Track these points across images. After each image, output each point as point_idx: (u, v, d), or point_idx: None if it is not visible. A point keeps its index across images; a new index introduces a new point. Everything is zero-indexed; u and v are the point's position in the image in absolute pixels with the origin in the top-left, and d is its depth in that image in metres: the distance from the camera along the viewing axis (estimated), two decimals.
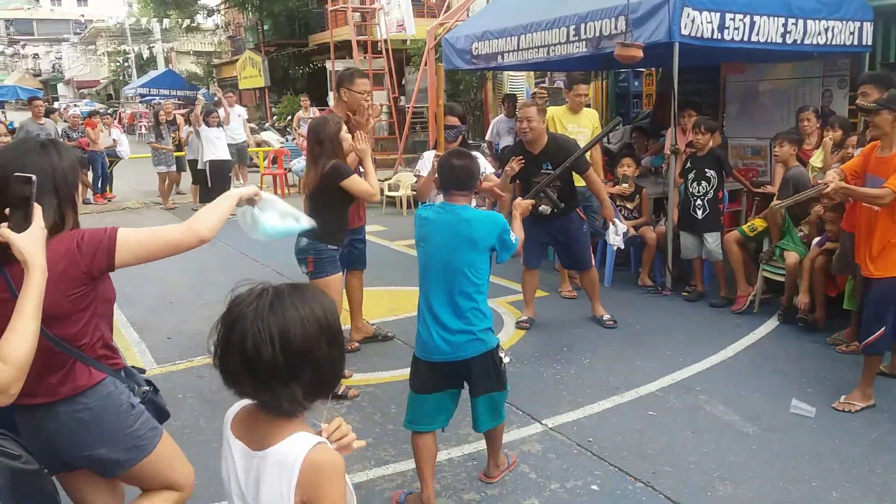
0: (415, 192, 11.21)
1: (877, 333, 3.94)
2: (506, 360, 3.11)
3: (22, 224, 1.60)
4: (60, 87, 56.46)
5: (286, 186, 13.15)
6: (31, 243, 1.63)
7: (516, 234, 3.19)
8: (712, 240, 5.98)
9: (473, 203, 3.24)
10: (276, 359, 1.33)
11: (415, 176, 4.92)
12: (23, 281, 1.65)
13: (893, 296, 3.95)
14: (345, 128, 4.24)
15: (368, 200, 4.39)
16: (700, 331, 5.41)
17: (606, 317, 5.59)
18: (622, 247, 5.87)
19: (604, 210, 5.59)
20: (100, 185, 13.10)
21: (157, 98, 28.46)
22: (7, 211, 1.63)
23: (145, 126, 27.63)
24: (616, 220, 5.70)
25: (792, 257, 5.40)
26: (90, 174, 12.95)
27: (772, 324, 5.52)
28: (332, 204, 4.20)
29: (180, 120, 12.53)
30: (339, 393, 4.26)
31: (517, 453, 3.63)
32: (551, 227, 5.44)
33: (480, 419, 3.17)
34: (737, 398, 4.25)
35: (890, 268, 3.92)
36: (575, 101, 6.42)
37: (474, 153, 4.54)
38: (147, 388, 2.25)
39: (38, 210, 1.66)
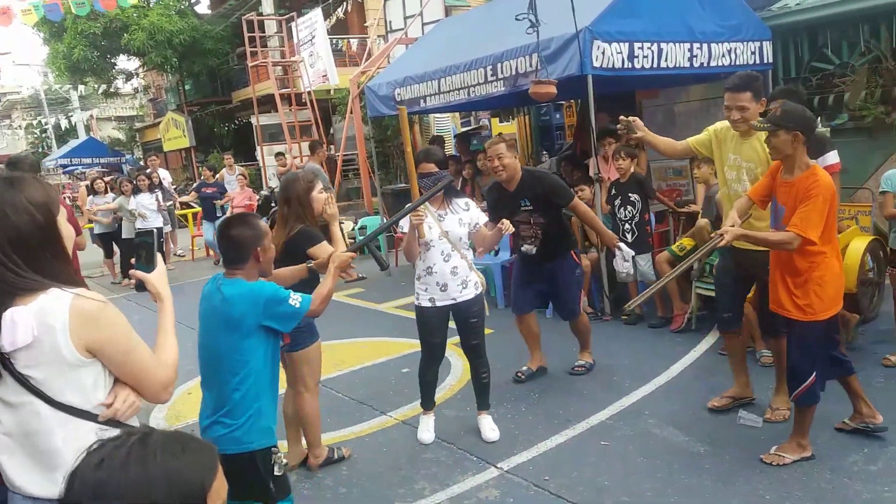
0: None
1: (807, 383, 3.50)
2: (277, 469, 2.67)
3: (148, 267, 2.01)
4: None
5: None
6: (159, 279, 2.02)
7: (319, 290, 2.87)
8: (644, 262, 6.10)
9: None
10: None
11: (396, 234, 4.34)
12: None
13: (820, 340, 3.53)
14: (318, 186, 3.83)
15: None
16: (642, 353, 5.48)
17: (581, 363, 5.21)
18: (631, 272, 5.17)
19: (602, 238, 5.10)
20: None
21: (79, 167, 27.76)
22: (133, 260, 2.06)
23: (69, 198, 26.82)
24: (621, 245, 4.91)
25: None
26: None
27: (711, 339, 5.64)
28: None
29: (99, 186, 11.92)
30: (335, 458, 4.07)
31: (474, 501, 3.57)
32: (542, 270, 4.97)
33: None
34: (685, 418, 4.30)
35: (809, 310, 3.47)
36: (728, 117, 4.05)
37: (464, 199, 4.15)
38: None
39: (159, 255, 2.05)
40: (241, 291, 2.65)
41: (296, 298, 2.71)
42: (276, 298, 2.66)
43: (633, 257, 4.92)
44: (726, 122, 4.13)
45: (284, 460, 2.73)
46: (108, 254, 11.15)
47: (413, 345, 5.90)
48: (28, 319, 1.70)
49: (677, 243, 6.19)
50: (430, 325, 4.19)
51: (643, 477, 3.67)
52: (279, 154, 13.64)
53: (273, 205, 12.70)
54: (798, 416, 3.65)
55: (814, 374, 3.48)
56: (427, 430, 4.32)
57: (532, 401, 4.80)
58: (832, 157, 4.32)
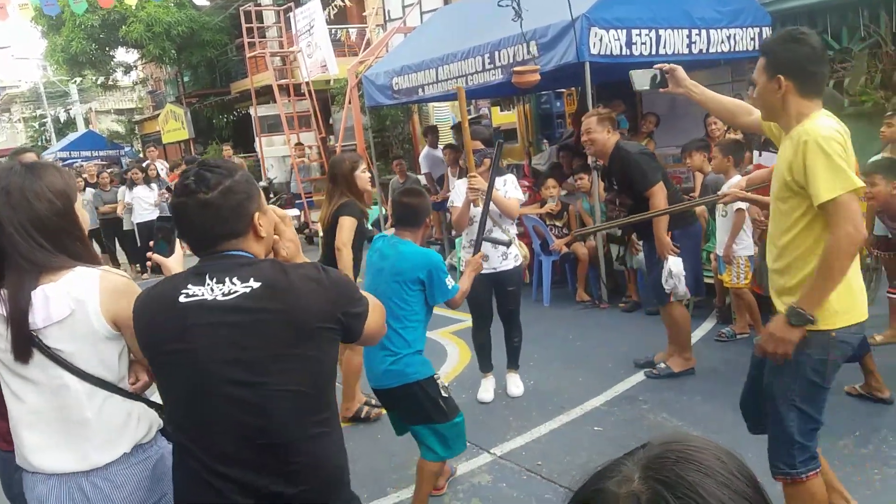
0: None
1: None
2: (443, 391, 3.13)
3: (167, 251, 2.06)
4: None
5: None
6: (177, 264, 2.07)
7: (459, 284, 3.21)
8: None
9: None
10: None
11: (448, 208, 4.77)
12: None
13: None
14: (362, 166, 4.24)
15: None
16: (639, 340, 5.46)
17: (662, 365, 4.74)
18: (667, 290, 4.58)
19: (658, 242, 4.51)
20: None
21: (78, 161, 27.74)
22: (151, 243, 2.10)
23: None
24: (668, 258, 4.46)
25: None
26: None
27: (707, 325, 5.64)
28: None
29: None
30: (362, 416, 4.39)
31: (467, 486, 3.57)
32: (645, 249, 4.85)
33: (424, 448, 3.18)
34: (679, 403, 4.30)
35: None
36: None
37: (503, 178, 4.46)
38: None
39: (177, 241, 2.09)
40: (416, 250, 3.15)
41: (451, 281, 3.14)
42: (441, 268, 3.11)
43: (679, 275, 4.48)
44: None
45: (446, 383, 3.16)
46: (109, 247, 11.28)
47: None
48: (61, 294, 1.78)
49: None
50: (474, 288, 4.30)
51: None
52: (298, 144, 13.80)
53: (272, 195, 12.73)
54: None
55: None
56: (486, 390, 4.66)
57: (527, 387, 4.78)
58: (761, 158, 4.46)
